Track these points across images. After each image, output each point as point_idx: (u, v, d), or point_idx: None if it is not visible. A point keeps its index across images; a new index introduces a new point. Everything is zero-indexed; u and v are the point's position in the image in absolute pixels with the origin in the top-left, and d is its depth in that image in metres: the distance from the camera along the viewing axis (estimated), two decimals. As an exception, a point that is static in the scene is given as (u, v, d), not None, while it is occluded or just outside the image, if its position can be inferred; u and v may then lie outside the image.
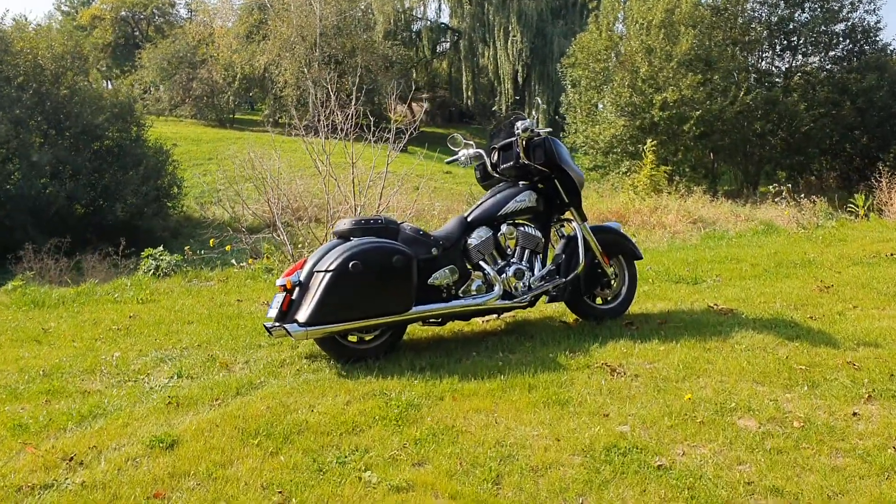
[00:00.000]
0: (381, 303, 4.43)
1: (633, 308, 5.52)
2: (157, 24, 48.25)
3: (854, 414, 3.61)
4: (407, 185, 16.95)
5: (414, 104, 38.27)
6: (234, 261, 7.98)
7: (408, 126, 11.07)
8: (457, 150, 5.34)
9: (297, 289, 4.44)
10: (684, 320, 5.22)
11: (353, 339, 4.61)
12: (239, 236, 11.33)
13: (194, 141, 28.84)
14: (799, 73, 26.34)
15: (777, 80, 27.00)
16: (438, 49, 42.63)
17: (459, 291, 4.80)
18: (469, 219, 4.96)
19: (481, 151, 5.27)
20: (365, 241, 4.47)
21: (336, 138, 10.99)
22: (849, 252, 7.63)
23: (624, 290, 5.41)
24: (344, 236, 4.63)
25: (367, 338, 4.62)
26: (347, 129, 10.86)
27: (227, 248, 8.99)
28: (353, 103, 11.19)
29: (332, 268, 4.31)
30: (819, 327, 4.95)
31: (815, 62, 26.79)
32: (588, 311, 5.26)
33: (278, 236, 11.24)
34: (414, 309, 4.55)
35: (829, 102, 24.54)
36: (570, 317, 5.42)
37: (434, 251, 4.71)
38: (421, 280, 4.66)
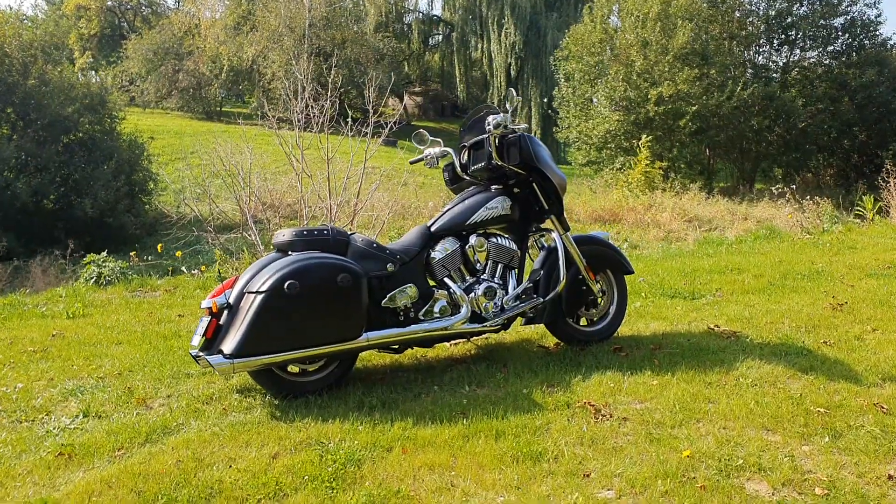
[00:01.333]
0: (325, 330, 3.75)
1: (623, 329, 4.86)
2: (143, 15, 47.34)
3: (890, 477, 2.94)
4: (394, 181, 16.29)
5: (403, 98, 37.59)
6: (183, 268, 7.27)
7: (390, 119, 10.37)
8: (422, 147, 4.66)
9: (224, 312, 3.76)
10: (681, 345, 4.55)
11: (294, 369, 3.93)
12: (205, 235, 10.66)
13: (177, 134, 28.01)
14: (797, 68, 25.78)
15: (774, 75, 26.38)
16: (430, 42, 41.82)
17: (420, 314, 4.12)
18: (433, 228, 4.28)
19: (450, 150, 4.58)
20: (306, 256, 3.78)
21: (313, 131, 10.34)
22: (860, 261, 6.96)
23: (612, 308, 4.73)
24: (284, 250, 3.95)
25: (311, 368, 3.94)
26: (323, 122, 10.19)
27: (178, 254, 8.27)
28: (328, 94, 10.49)
29: (263, 288, 3.63)
30: (835, 356, 4.28)
31: (813, 57, 26.20)
32: (571, 333, 4.58)
33: (250, 236, 10.58)
34: (365, 335, 3.87)
35: (828, 98, 23.99)
36: (551, 340, 4.75)
37: (390, 267, 4.03)
38: (374, 301, 3.99)
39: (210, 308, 3.72)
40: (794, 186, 14.45)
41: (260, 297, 3.62)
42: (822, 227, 9.21)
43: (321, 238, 3.91)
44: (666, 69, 22.46)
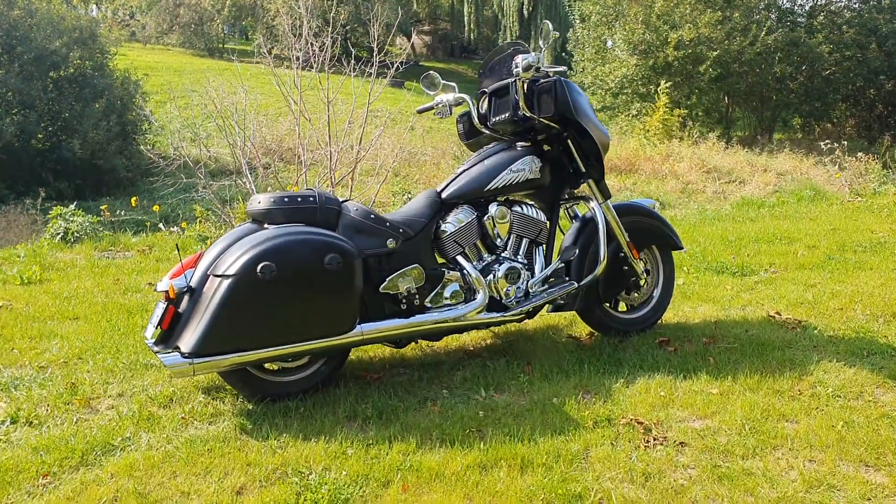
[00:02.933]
0: (308, 322, 3.01)
1: (668, 313, 4.12)
2: (145, -55, 45.64)
3: None
4: (399, 125, 15.40)
5: (411, 36, 36.24)
6: (161, 224, 6.49)
7: (396, 59, 9.49)
8: (432, 93, 3.85)
9: (185, 297, 3.01)
10: (739, 338, 3.80)
11: (272, 366, 3.20)
12: (196, 183, 9.87)
13: (177, 71, 26.93)
14: (824, 13, 24.58)
15: (800, 19, 25.21)
16: (440, -22, 40.37)
17: (426, 300, 3.36)
18: (443, 195, 3.50)
19: (466, 97, 3.77)
20: (286, 231, 3.01)
21: (314, 71, 9.49)
22: (926, 230, 6.17)
23: (657, 292, 3.98)
24: (260, 220, 3.19)
25: (293, 365, 3.20)
26: (324, 61, 9.32)
27: (156, 208, 7.47)
28: (330, 31, 9.58)
29: (231, 271, 2.87)
30: (929, 356, 3.54)
31: (841, 1, 24.98)
32: (608, 322, 3.84)
33: (245, 183, 9.83)
34: (358, 328, 3.13)
35: (855, 45, 22.86)
36: (583, 327, 4.00)
37: (390, 243, 3.26)
38: (370, 285, 3.24)
39: (166, 293, 2.97)
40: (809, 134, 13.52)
41: (227, 283, 2.86)
42: (873, 188, 8.37)
43: (306, 207, 3.14)
44: (687, 11, 21.42)
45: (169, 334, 2.98)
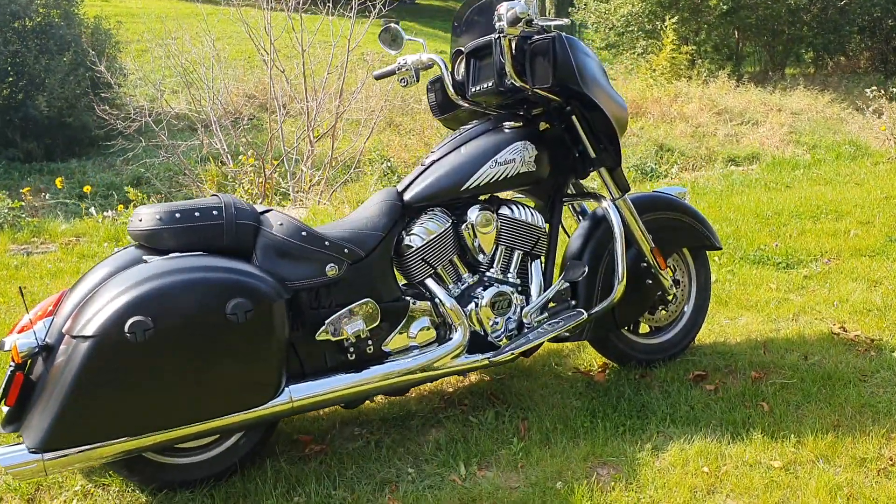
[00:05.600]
0: (209, 394, 2.13)
1: (702, 330, 3.22)
2: None
3: None
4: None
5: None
6: (92, 209, 5.55)
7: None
8: (394, 52, 2.92)
9: (38, 360, 2.13)
10: (797, 368, 2.92)
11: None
12: (159, 147, 8.96)
13: (157, 17, 25.71)
14: (841, -62, 23.26)
15: (815, -54, 23.87)
16: None
17: (384, 344, 2.48)
18: (406, 196, 2.58)
19: (437, 58, 2.82)
20: (171, 265, 2.11)
21: (286, 10, 8.52)
22: None
23: (688, 308, 3.08)
24: (146, 245, 2.28)
25: (200, 443, 2.33)
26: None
27: (87, 189, 6.52)
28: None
29: (90, 331, 1.98)
30: None
31: (859, -76, 23.59)
32: (626, 351, 2.95)
33: (215, 143, 8.92)
34: (287, 393, 2.25)
35: (873, -29, 21.65)
36: (593, 356, 3.12)
37: (331, 270, 2.36)
38: (304, 330, 2.35)
39: (11, 355, 2.09)
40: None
41: (85, 347, 1.98)
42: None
43: (207, 225, 2.23)
44: (697, -60, 20.16)
45: (18, 413, 2.11)
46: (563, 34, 2.52)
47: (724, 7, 21.01)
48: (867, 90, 9.32)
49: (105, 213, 5.35)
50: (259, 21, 8.89)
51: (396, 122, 13.63)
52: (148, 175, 11.89)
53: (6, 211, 4.97)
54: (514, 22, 2.42)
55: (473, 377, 2.99)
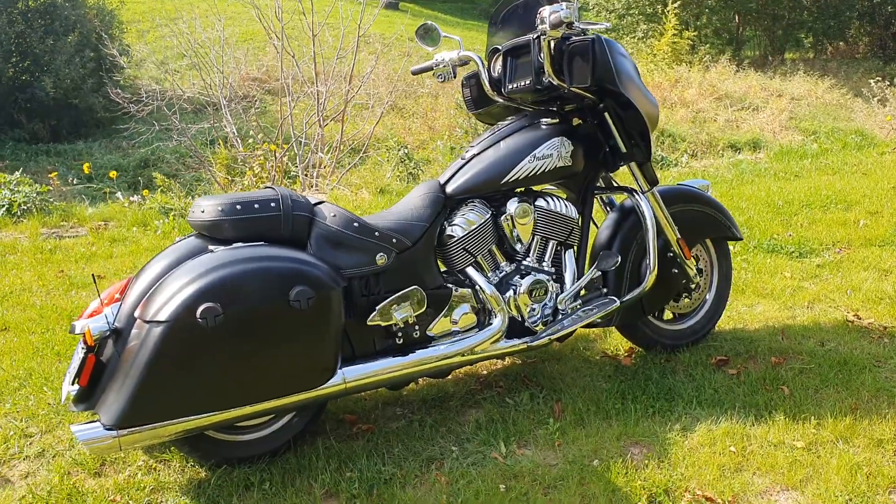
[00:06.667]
0: (271, 376, 2.27)
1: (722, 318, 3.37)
2: None
3: None
4: (395, 51, 14.41)
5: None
6: (119, 194, 5.66)
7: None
8: (430, 48, 3.04)
9: (108, 344, 2.27)
10: (814, 354, 3.07)
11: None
12: (171, 130, 9.01)
13: (159, -3, 25.62)
14: (843, -79, 23.28)
15: (817, -71, 23.88)
16: None
17: (429, 329, 2.62)
18: (448, 189, 2.72)
19: (473, 55, 2.94)
20: (236, 255, 2.24)
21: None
22: None
23: (710, 296, 3.23)
24: (207, 234, 2.41)
25: (256, 422, 2.48)
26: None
27: (112, 174, 6.61)
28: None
29: (163, 317, 2.12)
30: None
31: None
32: (653, 336, 3.10)
33: (225, 127, 8.97)
34: (340, 375, 2.39)
35: (876, -46, 21.73)
36: (619, 341, 3.27)
37: (380, 259, 2.50)
38: (355, 316, 2.48)
39: (84, 337, 2.23)
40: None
41: (158, 332, 2.11)
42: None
43: (265, 217, 2.37)
44: (698, -77, 20.19)
45: (90, 392, 2.25)
46: (601, 37, 2.64)
47: (725, -10, 21.04)
48: (871, 81, 9.41)
49: (131, 198, 5.46)
50: (269, 3, 8.94)
51: (399, 105, 13.68)
52: (155, 157, 11.99)
53: (34, 195, 5.08)
54: (557, 25, 2.54)
55: (507, 361, 3.13)
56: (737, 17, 23.47)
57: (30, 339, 3.38)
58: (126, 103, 8.68)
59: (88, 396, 2.26)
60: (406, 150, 7.79)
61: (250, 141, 8.62)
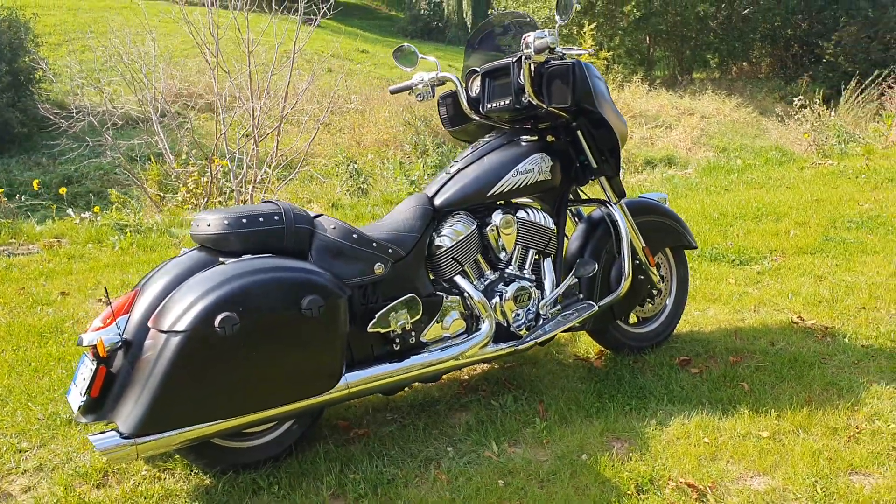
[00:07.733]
0: (283, 383, 2.36)
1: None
2: None
3: None
4: (317, 69, 14.44)
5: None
6: (70, 210, 5.60)
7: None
8: (408, 69, 3.18)
9: (118, 355, 2.32)
10: (766, 353, 3.33)
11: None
12: (103, 145, 8.84)
13: (70, 10, 24.92)
14: (745, -49, 24.56)
15: (723, -45, 25.07)
16: None
17: (422, 335, 2.75)
18: (437, 201, 2.86)
19: (451, 76, 3.10)
20: (248, 266, 2.33)
21: (231, 8, 8.55)
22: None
23: (670, 301, 3.46)
24: (212, 247, 2.49)
25: (261, 428, 2.55)
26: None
27: (62, 190, 6.51)
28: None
29: (182, 326, 2.19)
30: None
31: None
32: (621, 340, 3.31)
33: (157, 143, 8.84)
34: (343, 380, 2.50)
35: (775, -17, 23.05)
36: (589, 345, 3.46)
37: (378, 268, 2.62)
38: (356, 325, 2.60)
39: (94, 348, 2.27)
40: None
41: (176, 342, 2.18)
42: (841, 148, 8.00)
43: (270, 229, 2.46)
44: (611, -50, 20.99)
45: (100, 402, 2.29)
46: (579, 62, 2.84)
47: (638, 14, 21.90)
48: (794, 100, 9.97)
49: (83, 215, 5.39)
50: (201, 18, 8.87)
51: (326, 120, 13.74)
52: (78, 174, 11.69)
53: (-22, 213, 4.98)
54: (541, 49, 2.73)
55: (486, 366, 3.28)
56: (648, 38, 24.42)
57: (2, 356, 3.35)
58: (57, 119, 8.50)
59: (98, 407, 2.30)
60: (356, 166, 7.88)
61: (183, 157, 8.55)
